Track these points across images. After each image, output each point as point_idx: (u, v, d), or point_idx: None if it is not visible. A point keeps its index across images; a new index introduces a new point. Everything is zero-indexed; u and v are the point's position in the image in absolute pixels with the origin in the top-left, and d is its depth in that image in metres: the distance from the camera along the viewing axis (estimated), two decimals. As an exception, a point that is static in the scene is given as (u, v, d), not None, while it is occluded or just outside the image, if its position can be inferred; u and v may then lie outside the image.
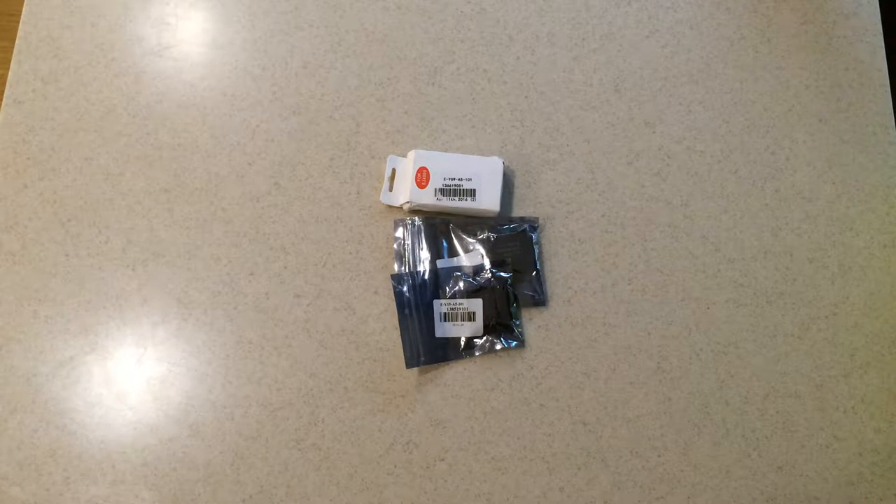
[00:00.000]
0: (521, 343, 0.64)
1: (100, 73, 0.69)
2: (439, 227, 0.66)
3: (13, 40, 0.69)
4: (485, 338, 0.63)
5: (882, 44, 0.75)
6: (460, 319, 0.63)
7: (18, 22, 0.70)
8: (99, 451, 0.59)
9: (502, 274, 0.64)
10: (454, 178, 0.65)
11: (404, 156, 0.68)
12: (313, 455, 0.60)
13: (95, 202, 0.66)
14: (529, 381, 0.63)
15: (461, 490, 0.60)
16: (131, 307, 0.63)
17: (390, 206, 0.67)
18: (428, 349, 0.62)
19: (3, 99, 0.68)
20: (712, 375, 0.64)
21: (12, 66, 0.69)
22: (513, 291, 0.64)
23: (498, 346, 0.63)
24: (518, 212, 0.67)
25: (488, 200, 0.65)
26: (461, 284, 0.64)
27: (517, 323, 0.64)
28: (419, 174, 0.65)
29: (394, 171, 0.67)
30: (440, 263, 0.64)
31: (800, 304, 0.66)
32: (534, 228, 0.66)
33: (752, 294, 0.66)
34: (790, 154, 0.70)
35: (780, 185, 0.69)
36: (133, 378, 0.61)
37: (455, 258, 0.65)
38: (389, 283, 0.64)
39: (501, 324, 0.63)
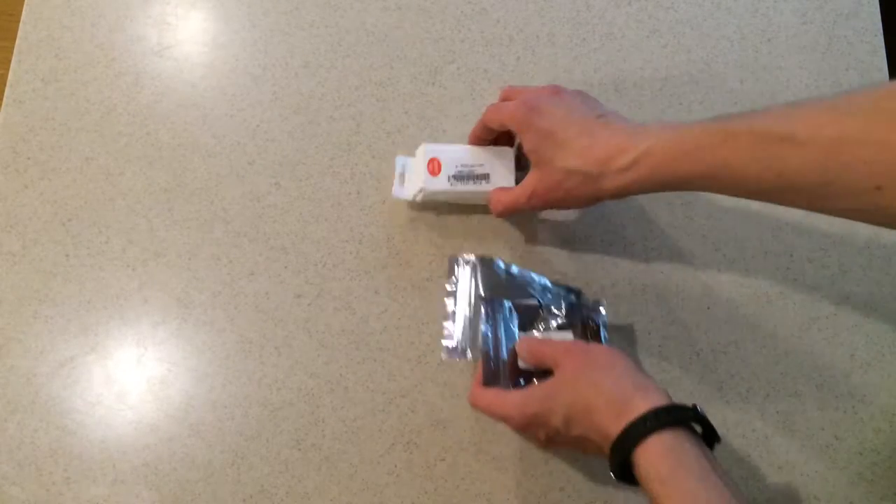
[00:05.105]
0: None
1: (100, 73, 0.69)
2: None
3: (13, 40, 0.69)
4: None
5: (882, 44, 0.74)
6: None
7: (18, 22, 0.70)
8: (99, 450, 0.59)
9: (595, 318, 0.61)
10: (466, 165, 0.63)
11: (412, 156, 0.66)
12: (313, 455, 0.60)
13: (95, 202, 0.66)
14: (529, 381, 0.63)
15: (461, 490, 0.60)
16: (131, 307, 0.63)
17: (386, 211, 0.66)
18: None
19: (3, 99, 0.68)
20: (712, 375, 0.64)
21: (12, 66, 0.69)
22: (605, 336, 0.60)
23: None
24: (518, 212, 0.67)
25: (503, 181, 0.63)
26: (553, 323, 0.60)
27: None
28: (431, 164, 0.62)
29: (403, 167, 0.66)
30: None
31: (800, 304, 0.66)
32: (578, 295, 0.63)
33: (752, 294, 0.66)
34: (790, 154, 0.70)
35: (780, 185, 0.69)
36: (133, 378, 0.61)
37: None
38: (389, 284, 0.64)
39: None
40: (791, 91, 0.72)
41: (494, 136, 0.62)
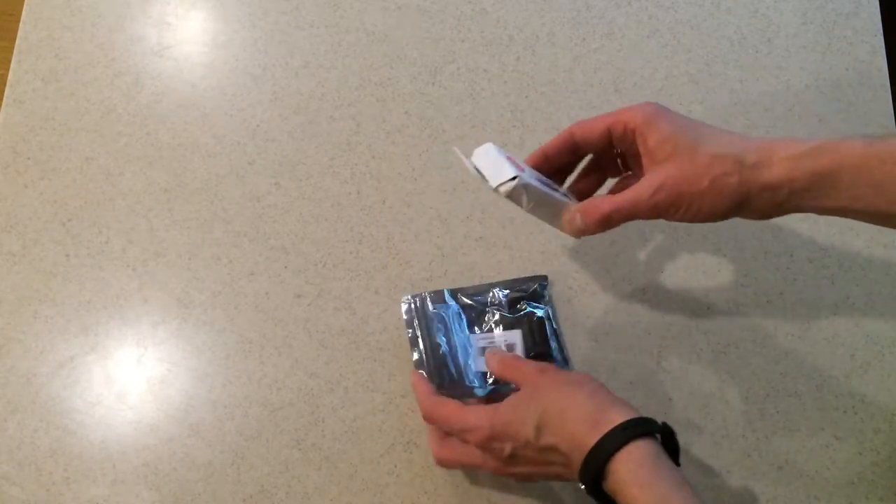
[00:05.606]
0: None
1: (100, 73, 0.69)
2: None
3: (13, 40, 0.69)
4: None
5: (882, 44, 0.75)
6: None
7: (18, 22, 0.70)
8: (99, 451, 0.59)
9: (537, 308, 0.62)
10: (542, 178, 0.55)
11: (466, 153, 0.57)
12: (313, 455, 0.60)
13: (95, 202, 0.66)
14: (529, 381, 0.63)
15: (461, 490, 0.60)
16: (131, 307, 0.63)
17: (386, 210, 0.66)
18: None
19: (3, 99, 0.68)
20: (712, 375, 0.64)
21: (12, 66, 0.69)
22: (553, 325, 0.62)
23: None
24: (518, 212, 0.67)
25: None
26: (497, 316, 0.62)
27: (560, 355, 0.61)
28: (511, 161, 0.53)
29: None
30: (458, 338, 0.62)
31: (800, 304, 0.66)
32: (544, 287, 0.64)
33: (752, 294, 0.66)
34: (790, 154, 0.70)
35: (780, 185, 0.69)
36: (133, 378, 0.61)
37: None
38: (389, 284, 0.64)
39: (541, 354, 0.61)
40: (791, 91, 0.72)
41: (563, 162, 0.56)
